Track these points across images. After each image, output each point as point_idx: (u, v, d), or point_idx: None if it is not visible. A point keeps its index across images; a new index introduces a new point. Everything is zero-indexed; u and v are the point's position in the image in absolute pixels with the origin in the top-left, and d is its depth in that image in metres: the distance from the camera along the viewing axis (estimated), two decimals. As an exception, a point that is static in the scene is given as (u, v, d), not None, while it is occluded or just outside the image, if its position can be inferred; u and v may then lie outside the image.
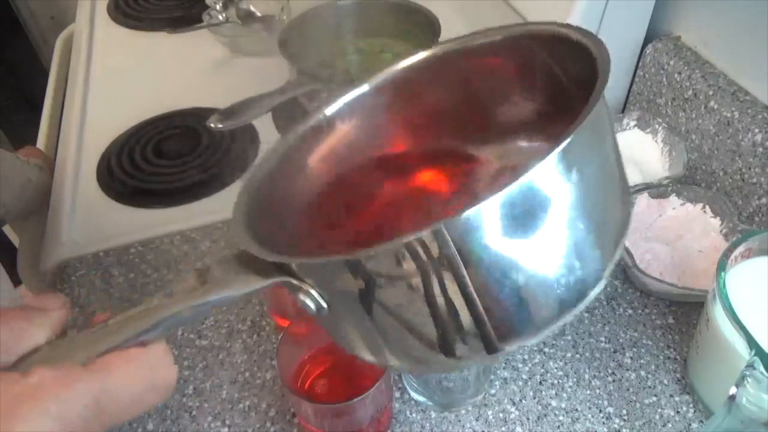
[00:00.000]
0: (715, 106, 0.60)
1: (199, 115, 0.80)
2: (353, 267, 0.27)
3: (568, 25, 0.33)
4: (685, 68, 0.64)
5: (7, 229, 0.84)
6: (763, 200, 0.57)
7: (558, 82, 0.35)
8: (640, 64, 0.70)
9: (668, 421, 0.49)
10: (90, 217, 0.70)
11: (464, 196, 0.40)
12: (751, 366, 0.35)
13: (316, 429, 0.45)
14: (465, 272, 0.25)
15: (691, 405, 0.50)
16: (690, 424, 0.49)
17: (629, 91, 0.73)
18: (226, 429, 0.50)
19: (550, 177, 0.25)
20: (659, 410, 0.50)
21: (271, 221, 0.35)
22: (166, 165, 0.75)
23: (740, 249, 0.45)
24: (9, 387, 0.24)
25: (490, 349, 0.27)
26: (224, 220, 0.68)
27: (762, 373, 0.34)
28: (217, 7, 0.93)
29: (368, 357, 0.31)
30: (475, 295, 0.26)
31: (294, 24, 0.80)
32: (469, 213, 0.24)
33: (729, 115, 0.59)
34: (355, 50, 0.85)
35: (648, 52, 0.68)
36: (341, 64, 0.83)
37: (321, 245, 0.38)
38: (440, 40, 0.74)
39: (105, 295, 0.62)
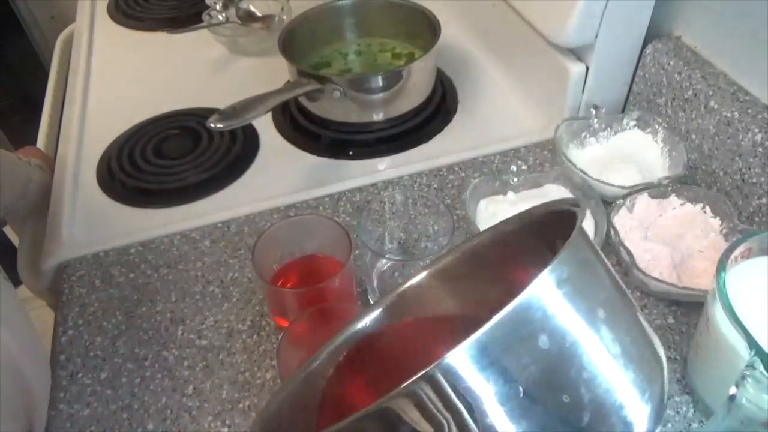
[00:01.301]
0: (715, 106, 0.60)
1: (199, 115, 0.80)
2: None
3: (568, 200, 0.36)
4: (685, 68, 0.64)
5: (7, 229, 0.84)
6: (763, 200, 0.57)
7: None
8: (640, 64, 0.70)
9: (668, 421, 0.49)
10: (90, 217, 0.70)
11: None
12: (751, 366, 0.35)
13: (316, 429, 0.45)
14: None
15: (691, 405, 0.50)
16: (690, 424, 0.49)
17: (629, 91, 0.73)
18: (226, 429, 0.50)
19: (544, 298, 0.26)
20: (659, 410, 0.49)
21: None
22: (166, 165, 0.75)
23: (740, 249, 0.45)
24: None
25: None
26: (224, 220, 0.68)
27: (762, 373, 0.34)
28: (217, 7, 0.94)
29: None
30: None
31: (294, 24, 0.80)
32: (449, 357, 0.24)
33: (729, 115, 0.59)
34: (355, 50, 0.85)
35: (648, 52, 0.68)
36: (341, 64, 0.83)
37: None
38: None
39: (105, 295, 0.62)
